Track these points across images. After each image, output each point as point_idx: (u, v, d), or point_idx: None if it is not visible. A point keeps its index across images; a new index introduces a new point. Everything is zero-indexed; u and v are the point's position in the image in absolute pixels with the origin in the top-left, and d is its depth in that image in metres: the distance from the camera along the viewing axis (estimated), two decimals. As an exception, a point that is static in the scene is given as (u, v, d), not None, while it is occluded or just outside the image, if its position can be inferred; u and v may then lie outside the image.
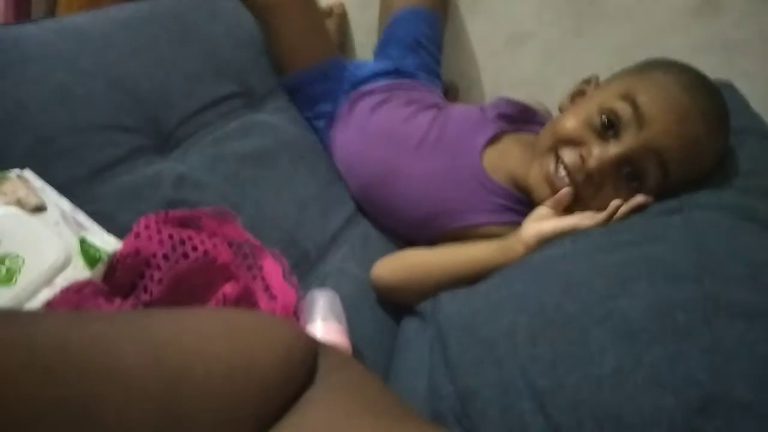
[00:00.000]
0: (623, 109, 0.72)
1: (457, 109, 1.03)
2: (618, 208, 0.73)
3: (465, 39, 1.36)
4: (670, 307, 0.51)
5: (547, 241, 0.75)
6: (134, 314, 0.44)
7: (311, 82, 1.12)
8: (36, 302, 0.54)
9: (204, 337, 0.39)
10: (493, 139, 0.94)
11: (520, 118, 1.00)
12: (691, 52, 0.86)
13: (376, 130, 1.02)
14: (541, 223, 0.78)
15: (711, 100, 0.73)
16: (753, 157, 0.77)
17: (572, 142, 0.77)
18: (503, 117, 0.97)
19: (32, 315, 0.37)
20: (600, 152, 0.74)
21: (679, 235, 0.60)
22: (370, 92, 1.09)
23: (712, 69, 0.79)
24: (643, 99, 0.72)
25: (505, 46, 1.33)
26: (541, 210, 0.80)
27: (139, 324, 0.38)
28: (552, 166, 0.79)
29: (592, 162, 0.74)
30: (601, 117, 0.74)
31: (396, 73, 1.14)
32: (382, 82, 1.11)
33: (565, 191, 0.77)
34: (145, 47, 0.90)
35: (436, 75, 1.23)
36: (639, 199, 0.72)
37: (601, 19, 1.22)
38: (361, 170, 1.04)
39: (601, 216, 0.73)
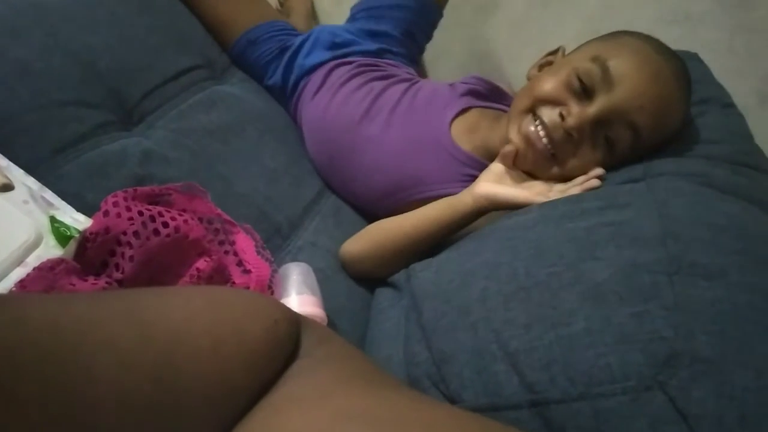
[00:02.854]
0: (594, 70, 0.74)
1: (428, 84, 1.04)
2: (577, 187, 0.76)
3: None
4: (636, 269, 0.54)
5: (497, 209, 0.78)
6: (119, 294, 0.44)
7: (242, 53, 1.11)
8: (8, 282, 0.53)
9: (191, 313, 0.40)
10: (462, 112, 0.96)
11: (489, 96, 1.01)
12: (655, 23, 0.87)
13: (348, 97, 1.02)
14: (497, 185, 0.80)
15: (681, 62, 0.77)
16: (714, 126, 0.80)
17: (551, 101, 0.78)
18: (472, 92, 0.99)
19: (19, 297, 0.37)
20: (579, 111, 0.75)
21: (644, 201, 0.62)
22: (348, 63, 1.08)
23: (675, 40, 0.81)
24: (612, 61, 0.74)
25: (473, 17, 1.33)
26: (495, 167, 0.83)
27: (125, 303, 0.38)
28: (532, 126, 0.80)
29: (571, 120, 0.75)
30: (577, 79, 0.76)
31: (378, 55, 1.12)
32: (362, 59, 1.09)
33: (508, 148, 0.80)
34: (102, 20, 0.87)
35: (416, 63, 1.23)
36: (593, 182, 0.75)
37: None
38: (330, 136, 1.03)
39: (555, 195, 0.76)
